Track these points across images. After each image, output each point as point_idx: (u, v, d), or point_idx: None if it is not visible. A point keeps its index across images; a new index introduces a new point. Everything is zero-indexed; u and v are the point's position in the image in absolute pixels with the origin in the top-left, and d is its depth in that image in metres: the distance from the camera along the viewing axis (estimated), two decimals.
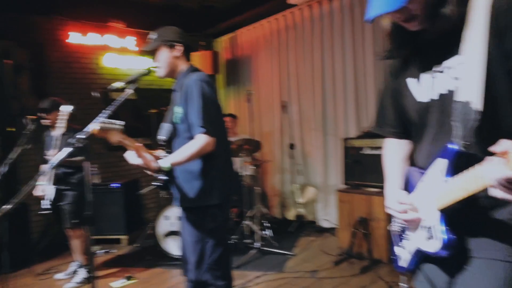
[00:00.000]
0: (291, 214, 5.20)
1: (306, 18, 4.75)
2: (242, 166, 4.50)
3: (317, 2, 4.58)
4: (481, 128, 1.00)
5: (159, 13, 5.27)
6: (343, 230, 3.81)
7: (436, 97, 1.14)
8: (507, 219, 1.04)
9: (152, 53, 2.09)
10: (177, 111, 2.00)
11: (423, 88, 1.17)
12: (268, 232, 4.24)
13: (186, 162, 1.90)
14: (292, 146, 4.93)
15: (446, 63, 1.10)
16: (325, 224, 4.71)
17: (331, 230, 4.53)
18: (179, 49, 2.06)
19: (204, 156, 1.94)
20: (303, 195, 5.04)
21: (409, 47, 1.20)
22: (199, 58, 5.25)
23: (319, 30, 4.61)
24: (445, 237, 1.03)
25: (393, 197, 1.23)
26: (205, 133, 1.86)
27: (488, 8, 1.01)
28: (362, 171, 3.71)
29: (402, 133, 1.36)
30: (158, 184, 1.95)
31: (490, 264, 1.03)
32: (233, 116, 5.18)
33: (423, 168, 1.18)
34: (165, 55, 2.05)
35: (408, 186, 1.25)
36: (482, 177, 0.89)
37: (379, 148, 3.56)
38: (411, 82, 1.22)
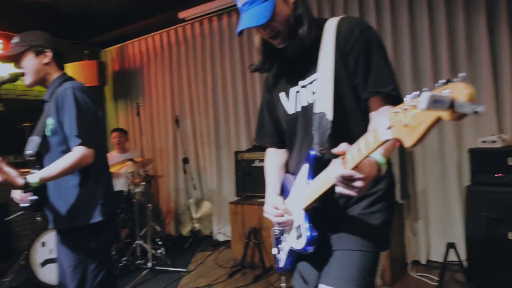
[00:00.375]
0: (186, 230, 5.10)
1: (197, 33, 4.82)
2: (132, 182, 4.28)
3: (207, 19, 4.68)
4: (335, 136, 1.13)
5: (35, 16, 4.76)
6: (237, 242, 3.88)
7: (300, 109, 1.27)
8: (358, 213, 1.20)
9: (16, 59, 1.87)
10: (49, 122, 1.82)
11: (291, 101, 1.30)
12: (161, 251, 4.09)
13: (59, 177, 1.73)
14: (186, 161, 4.88)
15: (308, 79, 1.24)
16: (220, 238, 4.74)
17: (226, 243, 4.58)
18: (48, 55, 1.89)
19: (82, 170, 1.80)
20: (198, 210, 5.00)
21: (275, 62, 1.34)
22: (83, 67, 4.88)
23: (210, 45, 4.71)
24: (309, 234, 1.13)
25: (270, 203, 1.31)
26: (82, 144, 1.73)
27: (334, 31, 1.18)
28: (253, 183, 3.86)
29: (279, 143, 1.48)
30: (26, 205, 1.74)
31: (346, 254, 1.17)
32: (122, 131, 4.91)
33: (295, 174, 1.29)
34: (31, 62, 1.86)
35: (285, 192, 1.36)
36: (329, 176, 1.02)
37: None
38: (282, 96, 1.34)
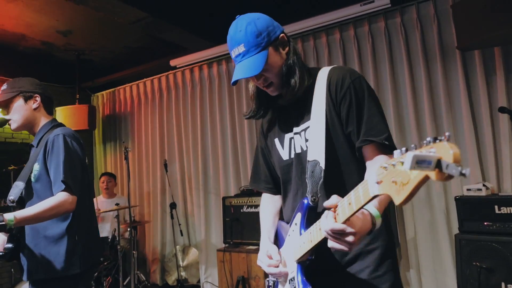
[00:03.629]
0: (172, 279, 4.90)
1: (187, 80, 4.92)
2: (117, 228, 4.15)
3: (197, 67, 4.81)
4: (328, 184, 1.12)
5: (29, 61, 4.86)
6: None
7: (293, 156, 1.27)
8: (366, 279, 1.15)
9: (4, 105, 1.89)
10: (35, 168, 1.80)
11: (285, 147, 1.31)
12: None
13: (37, 220, 1.67)
14: (173, 206, 4.78)
15: (301, 126, 1.25)
16: (208, 287, 4.55)
17: None
18: (37, 101, 1.91)
19: (64, 218, 1.75)
20: (185, 257, 4.83)
21: (270, 109, 1.36)
22: (74, 111, 4.91)
23: (200, 92, 4.80)
24: (301, 287, 1.08)
25: (264, 251, 1.27)
26: (66, 190, 1.69)
27: (325, 81, 1.21)
28: (241, 229, 3.78)
29: (274, 188, 1.46)
30: (0, 254, 1.67)
31: None
32: (111, 175, 4.86)
33: (288, 222, 1.26)
34: (20, 107, 1.88)
35: (279, 239, 1.32)
36: (321, 229, 0.98)
37: (256, 206, 3.70)
38: (277, 142, 1.35)
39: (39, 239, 1.76)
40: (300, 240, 1.12)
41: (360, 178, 1.15)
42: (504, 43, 2.97)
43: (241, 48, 1.18)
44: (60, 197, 1.69)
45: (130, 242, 4.13)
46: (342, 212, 0.90)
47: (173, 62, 4.72)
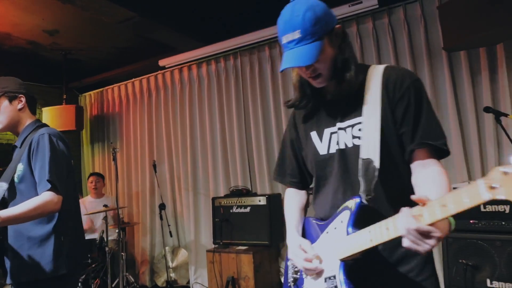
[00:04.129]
0: (161, 280, 4.86)
1: (176, 80, 4.90)
2: (105, 229, 4.10)
3: (186, 67, 4.79)
4: (383, 184, 1.09)
5: (15, 61, 4.78)
6: None
7: (334, 151, 1.22)
8: (413, 280, 1.13)
9: None
10: (18, 168, 1.77)
11: (324, 141, 1.25)
12: None
13: (21, 220, 1.64)
14: (162, 207, 4.74)
15: (347, 121, 1.20)
16: None
17: None
18: (22, 101, 1.88)
19: (49, 218, 1.73)
20: (175, 258, 4.81)
21: (311, 101, 1.30)
22: (61, 112, 4.85)
23: (189, 92, 4.79)
24: (344, 287, 1.05)
25: (296, 244, 1.22)
26: (51, 189, 1.66)
27: (381, 78, 1.17)
28: (231, 230, 3.77)
29: (300, 183, 1.42)
30: None
31: None
32: (99, 175, 4.81)
33: (324, 218, 1.22)
34: (4, 108, 1.84)
35: (306, 236, 1.27)
36: (395, 227, 0.95)
37: (246, 206, 3.70)
38: (314, 135, 1.29)
39: (23, 241, 1.73)
40: (350, 239, 1.07)
41: (409, 179, 1.13)
42: (489, 44, 3.02)
43: (296, 35, 1.11)
44: (45, 196, 1.66)
45: (118, 243, 4.08)
46: (430, 213, 0.87)
47: (161, 62, 4.69)
